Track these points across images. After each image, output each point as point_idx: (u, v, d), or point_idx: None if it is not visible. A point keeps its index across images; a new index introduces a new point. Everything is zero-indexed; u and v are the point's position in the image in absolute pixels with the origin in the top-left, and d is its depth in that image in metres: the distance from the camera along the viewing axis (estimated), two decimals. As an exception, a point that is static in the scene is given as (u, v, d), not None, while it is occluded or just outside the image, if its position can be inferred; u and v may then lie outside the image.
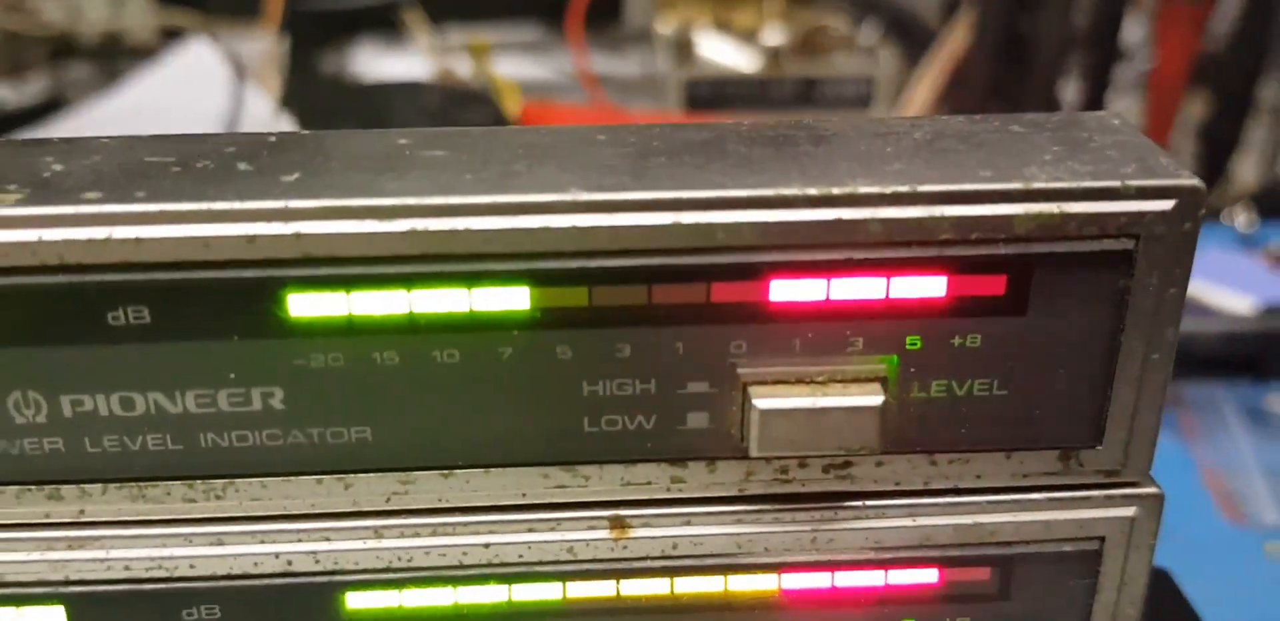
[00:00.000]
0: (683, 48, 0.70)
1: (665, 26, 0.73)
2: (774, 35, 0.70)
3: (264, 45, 0.73)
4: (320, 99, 0.63)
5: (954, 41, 0.59)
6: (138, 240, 0.15)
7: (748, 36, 0.70)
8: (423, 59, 0.70)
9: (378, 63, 0.74)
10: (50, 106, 0.66)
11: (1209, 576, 0.22)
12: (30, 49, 0.84)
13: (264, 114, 0.56)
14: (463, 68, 0.66)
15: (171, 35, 0.81)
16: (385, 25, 0.79)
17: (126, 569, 0.17)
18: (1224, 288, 0.48)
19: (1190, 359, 0.44)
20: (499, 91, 0.61)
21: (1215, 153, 0.56)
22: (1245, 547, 0.38)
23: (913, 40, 0.65)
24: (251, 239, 0.15)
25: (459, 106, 0.56)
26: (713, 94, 0.66)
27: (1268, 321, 0.43)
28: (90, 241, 0.15)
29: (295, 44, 0.73)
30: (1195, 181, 0.16)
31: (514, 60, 0.74)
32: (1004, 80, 0.52)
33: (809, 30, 0.68)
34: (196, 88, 0.62)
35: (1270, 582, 0.37)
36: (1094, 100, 0.54)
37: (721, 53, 0.68)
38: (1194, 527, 0.38)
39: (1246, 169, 0.59)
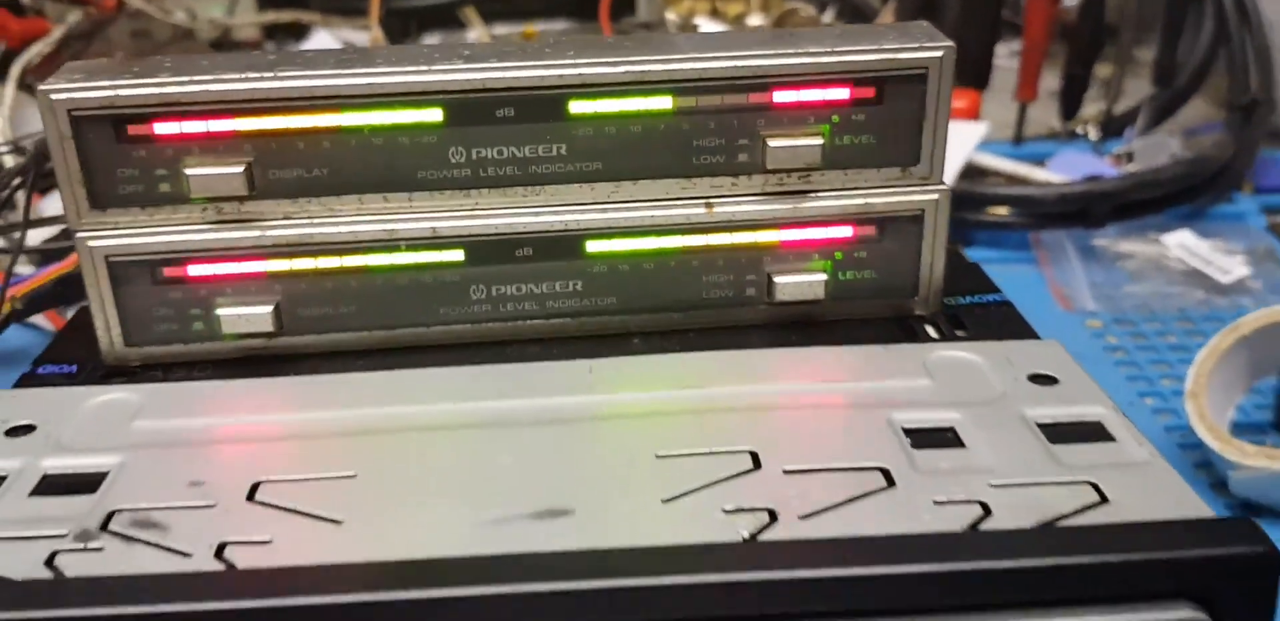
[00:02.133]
0: (686, 31, 0.86)
1: (672, 15, 0.89)
2: (756, 19, 0.86)
3: (367, 36, 0.92)
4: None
5: (887, 15, 0.79)
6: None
7: (737, 21, 0.86)
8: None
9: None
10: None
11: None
12: (155, 43, 1.00)
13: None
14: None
15: (276, 30, 0.99)
16: (452, 20, 0.97)
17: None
18: (1073, 174, 0.69)
19: (1042, 214, 0.64)
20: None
21: (1073, 89, 0.76)
22: (1073, 323, 0.59)
23: (861, 18, 0.82)
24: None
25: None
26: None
27: (1089, 185, 0.63)
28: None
29: (387, 34, 0.92)
30: (943, 48, 0.36)
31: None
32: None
33: (783, 13, 0.84)
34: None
35: (1087, 341, 0.57)
36: (987, 49, 0.73)
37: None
38: (1043, 314, 0.57)
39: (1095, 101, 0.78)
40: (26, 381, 0.36)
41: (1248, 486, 0.43)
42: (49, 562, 0.27)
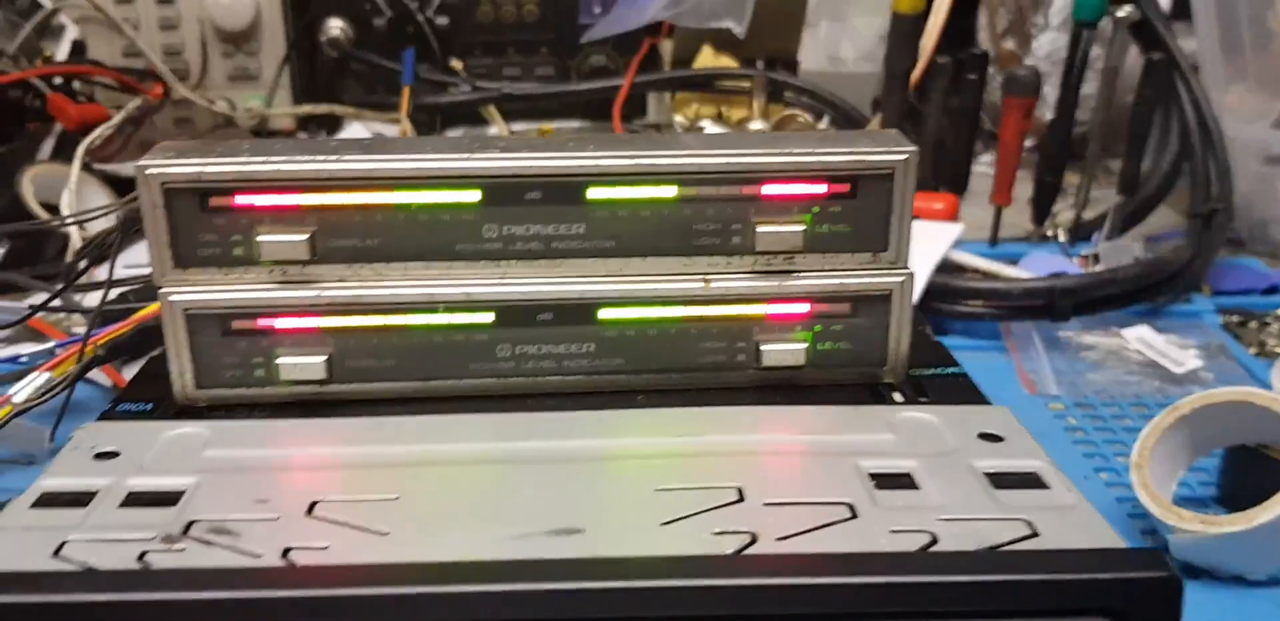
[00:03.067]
0: (692, 133, 0.92)
1: (680, 118, 0.95)
2: (757, 124, 0.91)
3: (396, 128, 0.99)
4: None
5: (874, 124, 0.86)
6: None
7: (739, 125, 0.92)
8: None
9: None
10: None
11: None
12: (198, 131, 1.07)
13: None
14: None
15: (310, 121, 1.06)
16: (475, 117, 1.04)
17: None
18: (1043, 272, 0.75)
19: (1011, 306, 0.69)
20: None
21: (1043, 195, 0.82)
22: (1037, 405, 0.64)
23: (853, 125, 0.88)
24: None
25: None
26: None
27: (1054, 281, 0.69)
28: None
29: (415, 128, 0.99)
30: (907, 153, 0.42)
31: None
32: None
33: (782, 118, 0.90)
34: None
35: (1049, 421, 0.62)
36: (966, 157, 0.80)
37: (721, 135, 0.90)
38: (1010, 396, 0.62)
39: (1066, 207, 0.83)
40: (107, 416, 0.41)
41: (1185, 549, 0.47)
42: (139, 559, 0.32)
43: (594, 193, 0.41)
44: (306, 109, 0.99)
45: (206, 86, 1.01)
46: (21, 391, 0.53)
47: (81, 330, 0.64)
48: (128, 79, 1.01)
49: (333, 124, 1.02)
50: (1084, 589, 0.30)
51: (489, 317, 0.42)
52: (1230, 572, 0.47)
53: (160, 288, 0.41)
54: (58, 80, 0.97)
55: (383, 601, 0.29)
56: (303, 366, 0.41)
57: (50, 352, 0.59)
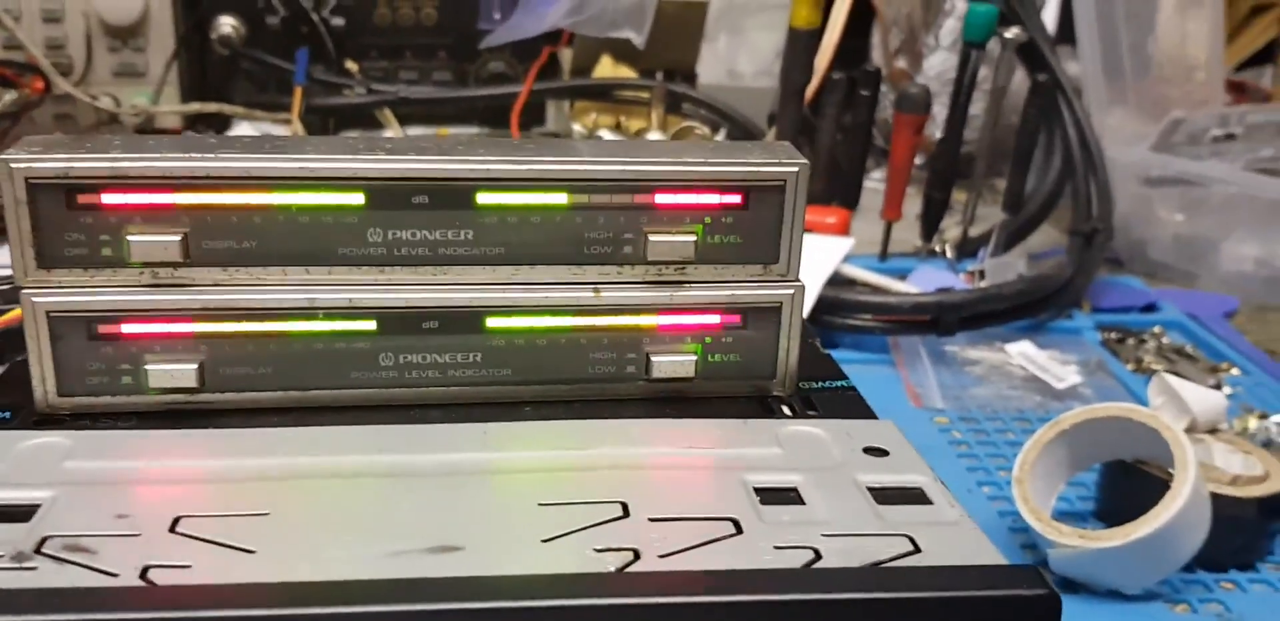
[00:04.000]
0: None
1: (578, 127, 0.94)
2: (655, 134, 0.90)
3: (287, 129, 0.97)
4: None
5: (770, 137, 0.86)
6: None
7: (638, 135, 0.92)
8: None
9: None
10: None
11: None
12: (79, 128, 1.02)
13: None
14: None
15: (198, 120, 1.03)
16: (369, 120, 1.02)
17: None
18: (930, 287, 0.76)
19: (898, 320, 0.70)
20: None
21: (931, 212, 0.83)
22: (922, 418, 0.64)
23: (749, 137, 0.89)
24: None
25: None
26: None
27: (941, 297, 0.70)
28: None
29: (306, 129, 0.97)
30: (799, 165, 0.42)
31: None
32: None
33: (680, 130, 0.89)
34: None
35: (934, 435, 0.63)
36: (858, 172, 0.81)
37: (618, 143, 0.90)
38: (896, 410, 0.62)
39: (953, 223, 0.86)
40: (-40, 425, 0.39)
41: (1063, 563, 0.48)
42: (-15, 577, 0.30)
43: (483, 198, 0.40)
44: (195, 107, 0.96)
45: (90, 82, 0.98)
46: None
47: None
48: (7, 72, 0.97)
49: (222, 124, 0.99)
50: (964, 605, 0.31)
51: (371, 325, 0.41)
52: (1107, 586, 0.48)
53: (22, 288, 0.39)
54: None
55: (246, 622, 0.28)
56: (173, 373, 0.40)
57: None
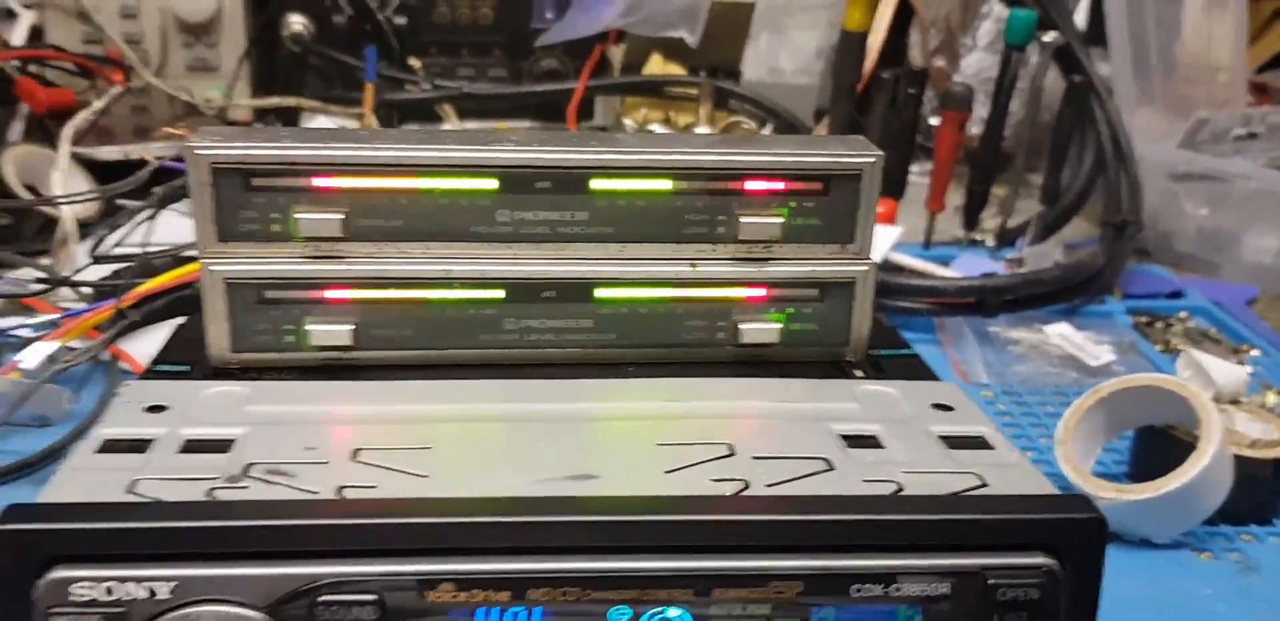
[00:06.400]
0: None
1: (629, 121, 0.99)
2: (704, 129, 0.95)
3: (357, 122, 1.02)
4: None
5: (820, 131, 0.91)
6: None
7: (686, 130, 0.97)
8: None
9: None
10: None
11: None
12: (155, 119, 1.09)
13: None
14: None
15: (268, 112, 1.09)
16: (431, 114, 1.08)
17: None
18: (972, 273, 0.81)
19: (945, 302, 0.76)
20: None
21: (973, 204, 0.89)
22: (969, 392, 0.69)
23: (794, 133, 0.93)
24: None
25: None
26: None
27: (985, 281, 0.75)
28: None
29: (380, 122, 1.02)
30: (874, 156, 0.47)
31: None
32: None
33: (728, 124, 0.94)
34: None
35: (981, 407, 0.68)
36: (903, 166, 0.86)
37: (670, 140, 0.94)
38: None
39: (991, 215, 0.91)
40: (148, 377, 0.45)
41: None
42: (208, 495, 0.36)
43: (597, 184, 0.46)
44: (274, 101, 1.02)
45: (165, 76, 1.03)
46: (30, 358, 0.56)
47: (70, 305, 0.67)
48: (91, 64, 1.03)
49: (290, 119, 1.05)
50: (1028, 527, 0.36)
51: (499, 294, 0.47)
52: (1140, 536, 0.53)
53: (203, 258, 0.45)
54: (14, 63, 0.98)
55: (439, 528, 0.34)
56: (330, 333, 0.46)
57: (53, 324, 0.62)
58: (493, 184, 0.45)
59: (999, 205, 0.88)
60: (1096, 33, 1.08)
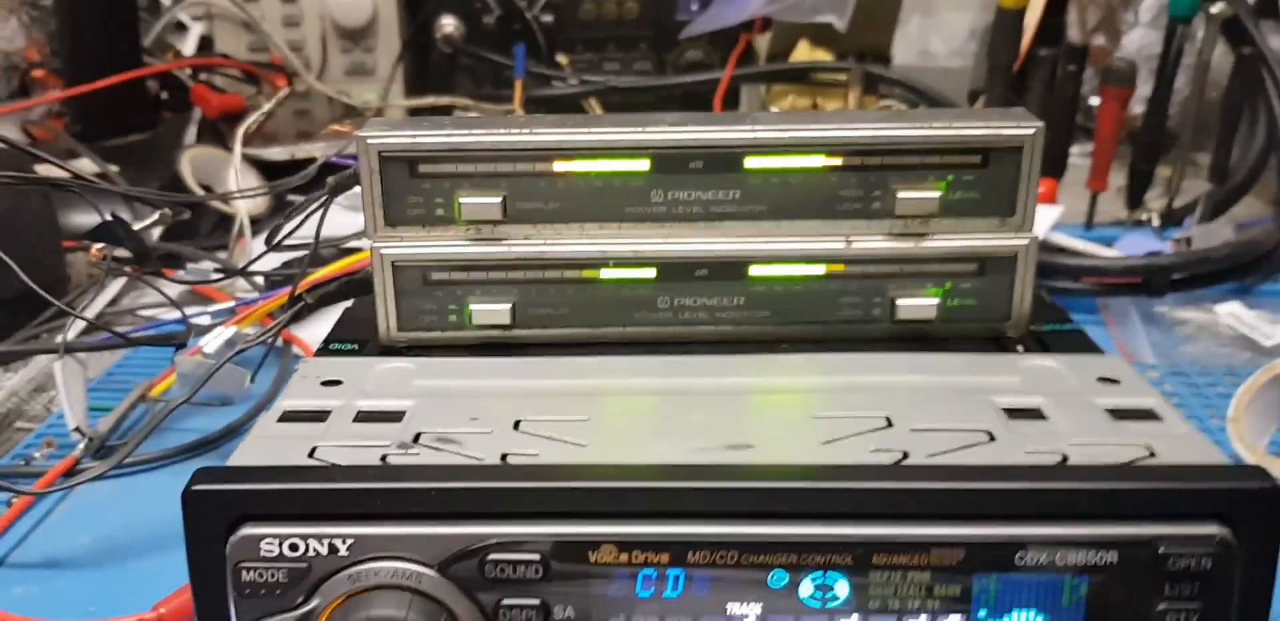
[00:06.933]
0: None
1: (776, 110, 0.99)
2: None
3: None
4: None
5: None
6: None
7: None
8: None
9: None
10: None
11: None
12: (316, 122, 1.14)
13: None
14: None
15: (421, 111, 1.11)
16: (576, 109, 1.08)
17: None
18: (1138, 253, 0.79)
19: (1110, 283, 0.74)
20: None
21: (1137, 182, 0.86)
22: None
23: None
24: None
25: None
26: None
27: (1151, 259, 0.73)
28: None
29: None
30: (1035, 127, 0.47)
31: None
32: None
33: (878, 109, 0.94)
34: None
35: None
36: (1064, 144, 0.85)
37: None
38: None
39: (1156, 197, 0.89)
40: (322, 354, 0.47)
41: (1279, 496, 0.51)
42: (381, 460, 0.37)
43: (750, 162, 0.46)
44: (429, 101, 1.06)
45: (325, 80, 1.08)
46: (211, 342, 0.59)
47: (243, 296, 0.70)
48: (257, 71, 1.08)
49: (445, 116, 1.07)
50: (1201, 497, 0.35)
51: (652, 273, 0.47)
52: (1322, 517, 0.51)
53: (373, 242, 0.46)
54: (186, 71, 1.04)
55: (601, 493, 0.35)
56: (491, 312, 0.47)
57: (231, 311, 0.65)
58: (645, 165, 0.46)
59: (1164, 185, 0.85)
60: (1267, 3, 1.04)
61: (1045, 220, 0.75)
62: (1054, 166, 0.83)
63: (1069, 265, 0.72)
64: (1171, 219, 0.84)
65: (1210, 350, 0.68)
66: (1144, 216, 0.84)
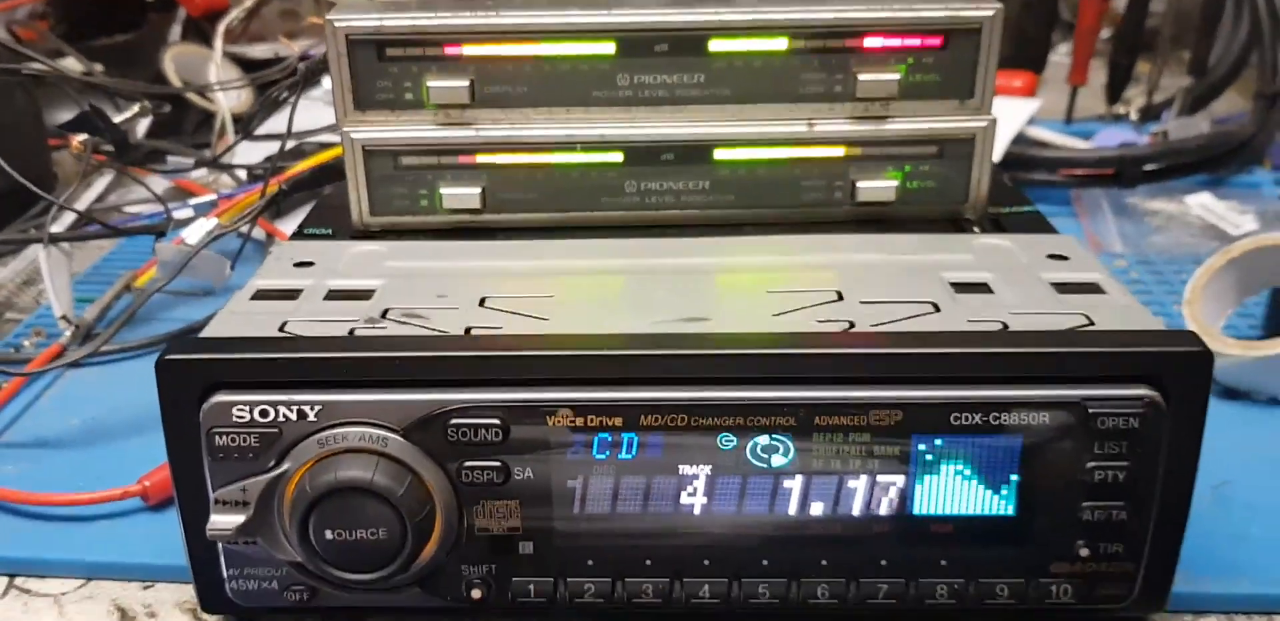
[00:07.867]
0: None
1: None
2: None
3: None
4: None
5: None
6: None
7: None
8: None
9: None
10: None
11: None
12: (301, 24, 1.13)
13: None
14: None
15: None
16: None
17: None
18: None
19: (1082, 175, 0.75)
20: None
21: (1117, 77, 0.86)
22: (1103, 262, 0.69)
23: None
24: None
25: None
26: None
27: (1123, 150, 0.74)
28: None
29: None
30: (993, 9, 0.47)
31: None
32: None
33: None
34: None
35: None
36: (1044, 40, 0.84)
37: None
38: None
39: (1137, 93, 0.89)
40: (297, 237, 0.48)
41: (1228, 373, 0.53)
42: (350, 334, 0.39)
43: (714, 45, 0.47)
44: None
45: (313, -20, 1.08)
46: (192, 234, 0.60)
47: (226, 190, 0.71)
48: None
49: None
50: (1130, 360, 0.37)
51: (619, 157, 0.48)
52: (1267, 394, 0.53)
53: (342, 127, 0.47)
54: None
55: (558, 360, 0.36)
56: (461, 197, 0.48)
57: (212, 205, 0.66)
58: (610, 48, 0.47)
59: (1146, 80, 0.85)
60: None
61: (1023, 113, 0.76)
62: (1034, 60, 0.83)
63: (1045, 157, 0.73)
64: (1150, 113, 0.84)
65: (1179, 240, 0.69)
66: (1123, 111, 0.84)
